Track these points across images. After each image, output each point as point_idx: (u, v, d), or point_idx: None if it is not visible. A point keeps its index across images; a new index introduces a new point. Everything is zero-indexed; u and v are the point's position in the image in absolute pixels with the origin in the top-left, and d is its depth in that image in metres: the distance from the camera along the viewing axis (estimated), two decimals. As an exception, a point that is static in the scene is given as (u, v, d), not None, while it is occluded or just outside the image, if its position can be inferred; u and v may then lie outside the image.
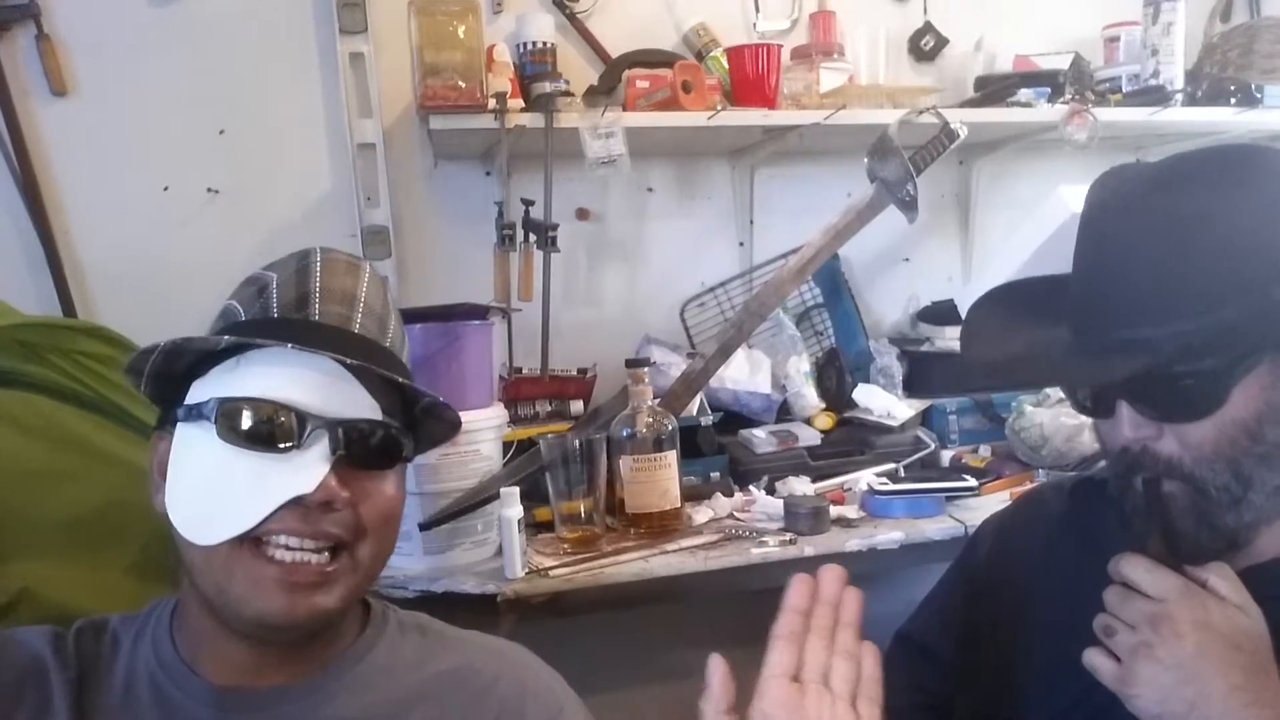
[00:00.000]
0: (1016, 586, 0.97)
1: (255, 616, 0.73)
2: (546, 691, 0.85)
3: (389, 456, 0.79)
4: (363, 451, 0.76)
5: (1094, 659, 0.75)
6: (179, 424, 0.76)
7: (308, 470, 0.73)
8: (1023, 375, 0.86)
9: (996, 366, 0.88)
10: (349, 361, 0.74)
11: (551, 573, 1.31)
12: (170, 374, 0.77)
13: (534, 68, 1.72)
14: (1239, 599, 0.73)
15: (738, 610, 1.91)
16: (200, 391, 0.76)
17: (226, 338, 0.74)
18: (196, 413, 0.75)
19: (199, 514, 0.74)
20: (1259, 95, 1.93)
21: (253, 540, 0.73)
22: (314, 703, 0.78)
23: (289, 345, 0.74)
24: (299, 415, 0.73)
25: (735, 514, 1.53)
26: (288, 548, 0.73)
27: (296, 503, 0.72)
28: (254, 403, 0.73)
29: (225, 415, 0.73)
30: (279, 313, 0.77)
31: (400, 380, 0.78)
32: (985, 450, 1.75)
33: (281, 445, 0.73)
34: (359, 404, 0.76)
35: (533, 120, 1.65)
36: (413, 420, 0.82)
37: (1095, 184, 0.82)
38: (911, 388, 1.86)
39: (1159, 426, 0.76)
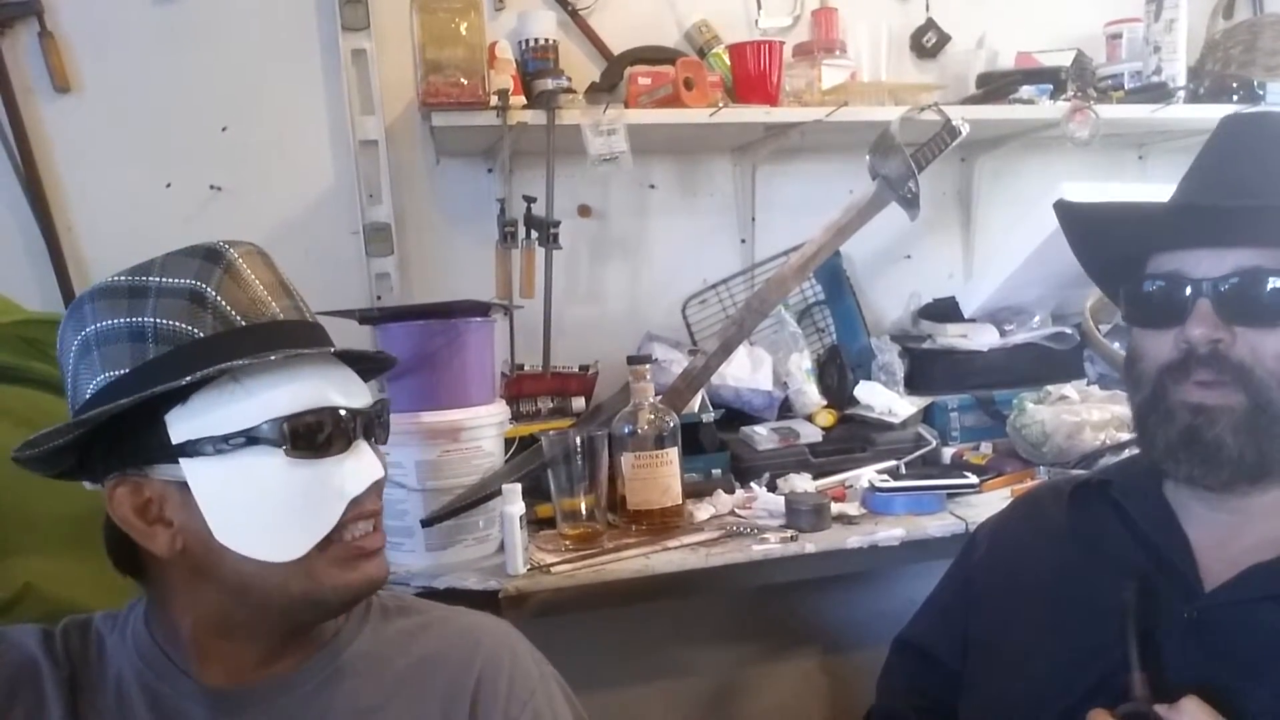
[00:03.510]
0: (1014, 590, 0.97)
1: (350, 597, 0.79)
2: (524, 670, 0.86)
3: (386, 431, 0.85)
4: (376, 430, 0.82)
5: None
6: (184, 460, 0.72)
7: (364, 459, 0.79)
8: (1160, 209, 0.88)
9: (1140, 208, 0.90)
10: (364, 352, 0.82)
11: (553, 569, 1.31)
12: (112, 421, 0.73)
13: (536, 64, 1.72)
14: None
15: (739, 606, 1.93)
16: (203, 423, 0.72)
17: (239, 362, 0.72)
18: (234, 441, 0.72)
19: (276, 533, 0.74)
20: (1261, 92, 1.93)
21: (326, 536, 0.76)
22: (305, 693, 0.79)
23: (331, 350, 0.78)
24: (348, 414, 0.77)
25: (736, 511, 1.53)
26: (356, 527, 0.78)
27: None
28: (316, 414, 0.75)
29: (293, 433, 0.74)
30: (244, 320, 0.75)
31: (385, 357, 0.89)
32: (986, 447, 1.75)
33: (345, 446, 0.77)
34: (363, 388, 0.82)
35: (535, 117, 1.65)
36: None
37: (1229, 118, 0.89)
38: (913, 385, 1.86)
39: (1233, 332, 0.79)
